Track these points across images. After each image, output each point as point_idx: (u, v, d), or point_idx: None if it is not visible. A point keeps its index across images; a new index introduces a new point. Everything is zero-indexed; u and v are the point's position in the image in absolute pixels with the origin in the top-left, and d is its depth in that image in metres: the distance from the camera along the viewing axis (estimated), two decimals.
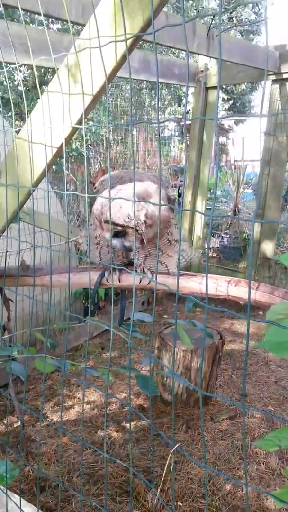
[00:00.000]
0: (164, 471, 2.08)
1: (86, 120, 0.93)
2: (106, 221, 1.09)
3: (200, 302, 0.66)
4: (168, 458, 2.22)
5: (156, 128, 6.81)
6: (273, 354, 0.62)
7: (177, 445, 0.67)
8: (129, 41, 0.79)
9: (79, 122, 0.91)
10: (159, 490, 1.93)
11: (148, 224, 1.11)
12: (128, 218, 1.06)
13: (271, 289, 1.29)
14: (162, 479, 2.00)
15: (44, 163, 0.97)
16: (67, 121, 0.90)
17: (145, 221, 1.10)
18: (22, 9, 1.25)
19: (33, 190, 1.00)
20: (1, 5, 1.12)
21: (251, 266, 0.57)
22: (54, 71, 1.01)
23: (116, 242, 1.17)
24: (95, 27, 0.83)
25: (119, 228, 1.10)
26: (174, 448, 0.64)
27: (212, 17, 2.90)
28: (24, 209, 1.34)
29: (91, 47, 0.80)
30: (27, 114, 1.02)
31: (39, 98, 0.97)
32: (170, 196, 1.29)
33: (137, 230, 1.10)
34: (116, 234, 1.14)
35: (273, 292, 1.28)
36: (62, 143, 0.93)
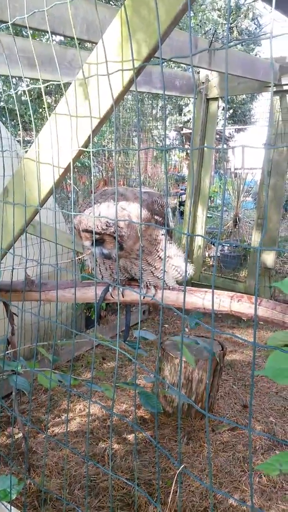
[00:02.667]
0: (166, 484, 2.07)
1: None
2: (85, 230, 1.13)
3: (205, 325, 0.66)
4: (173, 472, 2.21)
5: (159, 138, 6.85)
6: (276, 382, 0.63)
7: (182, 466, 0.68)
8: (136, 67, 0.81)
9: (87, 143, 0.92)
10: (161, 503, 1.92)
11: (126, 233, 1.15)
12: (106, 225, 1.09)
13: (273, 304, 1.30)
14: (163, 492, 2.00)
15: (51, 182, 0.99)
16: (74, 142, 0.91)
17: (121, 228, 1.13)
18: (30, 28, 1.28)
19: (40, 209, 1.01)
20: (10, 25, 1.15)
21: (255, 299, 0.58)
22: (57, 85, 1.03)
23: (96, 250, 1.20)
24: (103, 52, 0.85)
25: (97, 236, 1.13)
26: (180, 469, 0.65)
27: (214, 31, 2.93)
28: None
29: (98, 75, 0.82)
30: (31, 124, 1.04)
31: (41, 108, 0.99)
32: (158, 218, 1.30)
33: (114, 237, 1.13)
34: (96, 242, 1.17)
35: (275, 307, 1.29)
36: (70, 163, 0.95)
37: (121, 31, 0.82)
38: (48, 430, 2.52)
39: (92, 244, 1.15)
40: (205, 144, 4.42)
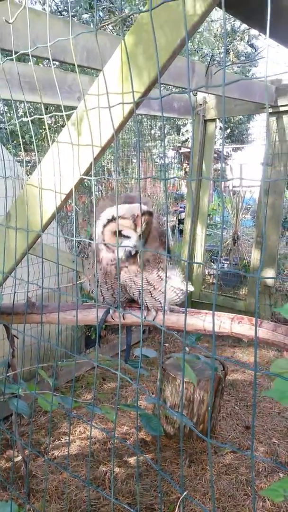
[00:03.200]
0: (168, 509, 2.04)
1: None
2: (114, 218, 1.15)
3: (206, 350, 0.67)
4: (175, 496, 2.17)
5: (158, 157, 6.95)
6: (281, 403, 0.63)
7: (186, 492, 0.68)
8: (136, 99, 0.84)
9: (88, 170, 0.95)
10: None
11: (147, 221, 1.19)
12: (143, 204, 1.13)
13: (274, 326, 1.31)
14: None
15: (53, 208, 1.01)
16: (76, 170, 0.94)
17: (147, 212, 1.17)
18: (32, 56, 1.32)
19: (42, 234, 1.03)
20: (13, 54, 1.19)
21: (256, 323, 0.59)
22: (56, 106, 1.06)
23: (121, 252, 1.21)
24: (104, 84, 0.88)
25: (125, 225, 1.15)
26: (183, 495, 0.65)
27: (211, 56, 3.02)
28: None
29: (100, 107, 0.85)
30: (31, 145, 1.06)
31: (41, 129, 1.01)
32: (162, 238, 1.35)
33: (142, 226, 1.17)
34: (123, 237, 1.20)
35: (276, 329, 1.30)
36: (72, 189, 0.97)
37: (121, 63, 0.86)
38: (48, 454, 2.48)
39: (124, 236, 1.17)
40: (204, 164, 4.48)
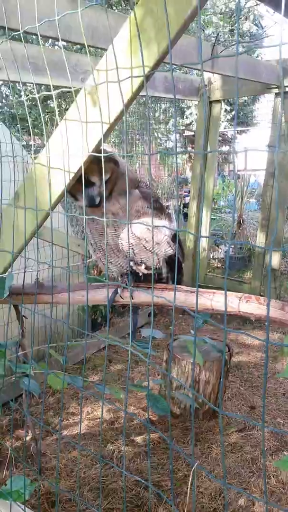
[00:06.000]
0: (175, 485, 2.08)
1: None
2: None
3: (216, 324, 0.68)
4: (181, 473, 2.22)
5: (161, 140, 6.86)
6: None
7: (197, 463, 0.69)
8: (146, 72, 0.83)
9: (97, 147, 0.94)
10: (172, 504, 1.92)
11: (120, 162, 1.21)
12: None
13: (281, 305, 1.31)
14: (173, 492, 2.00)
15: (62, 186, 1.01)
16: (85, 147, 0.93)
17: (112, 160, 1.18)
18: (37, 35, 1.31)
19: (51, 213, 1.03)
20: (21, 31, 1.17)
21: (269, 298, 0.59)
22: (59, 87, 1.05)
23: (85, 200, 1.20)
24: (113, 58, 0.87)
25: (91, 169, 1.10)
26: (195, 466, 0.66)
27: (217, 35, 2.95)
28: None
29: (108, 81, 0.84)
30: (35, 129, 1.05)
31: (44, 113, 1.01)
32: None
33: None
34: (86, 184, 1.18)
35: (283, 307, 1.30)
36: (81, 167, 0.96)
37: (130, 38, 0.84)
38: (59, 431, 2.53)
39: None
40: (209, 147, 4.43)
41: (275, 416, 2.75)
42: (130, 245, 1.32)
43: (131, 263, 1.39)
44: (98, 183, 1.17)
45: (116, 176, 1.24)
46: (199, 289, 1.40)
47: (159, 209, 1.48)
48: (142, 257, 1.36)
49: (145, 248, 1.35)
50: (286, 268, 5.64)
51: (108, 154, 0.87)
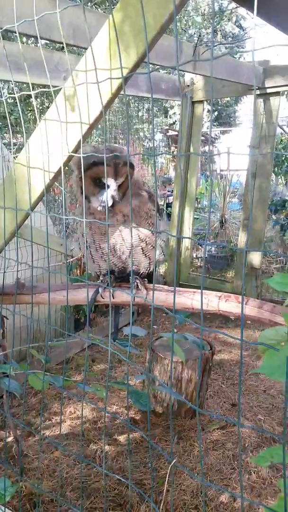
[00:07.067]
0: (157, 483, 2.10)
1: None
2: (95, 163, 1.14)
3: (194, 324, 0.69)
4: (163, 471, 2.23)
5: (145, 140, 6.88)
6: (272, 379, 0.65)
7: (174, 460, 0.70)
8: (125, 74, 0.83)
9: (77, 147, 0.94)
10: (154, 502, 1.94)
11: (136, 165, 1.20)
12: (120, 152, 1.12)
13: (260, 303, 1.34)
14: (155, 491, 2.02)
15: (42, 186, 1.01)
16: (64, 147, 0.93)
17: (130, 164, 1.15)
18: (18, 33, 1.30)
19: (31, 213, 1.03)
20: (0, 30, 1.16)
21: (242, 298, 0.61)
22: (42, 86, 1.04)
23: (97, 202, 1.23)
24: (92, 60, 0.87)
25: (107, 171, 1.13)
26: (172, 463, 0.67)
27: (199, 35, 2.98)
28: None
29: (88, 82, 0.84)
30: (17, 127, 1.05)
31: (27, 110, 1.00)
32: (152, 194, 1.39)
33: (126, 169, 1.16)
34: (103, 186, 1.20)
35: (261, 306, 1.33)
36: (60, 167, 0.96)
37: (109, 39, 0.85)
38: (40, 432, 2.52)
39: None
40: (191, 147, 4.47)
41: (256, 413, 2.79)
42: (130, 246, 1.34)
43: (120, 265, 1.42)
44: (114, 186, 1.20)
45: (131, 180, 1.26)
46: (180, 288, 1.42)
47: (159, 211, 1.53)
48: (135, 259, 1.39)
49: (142, 251, 1.38)
50: (267, 267, 5.72)
51: (87, 154, 0.88)
